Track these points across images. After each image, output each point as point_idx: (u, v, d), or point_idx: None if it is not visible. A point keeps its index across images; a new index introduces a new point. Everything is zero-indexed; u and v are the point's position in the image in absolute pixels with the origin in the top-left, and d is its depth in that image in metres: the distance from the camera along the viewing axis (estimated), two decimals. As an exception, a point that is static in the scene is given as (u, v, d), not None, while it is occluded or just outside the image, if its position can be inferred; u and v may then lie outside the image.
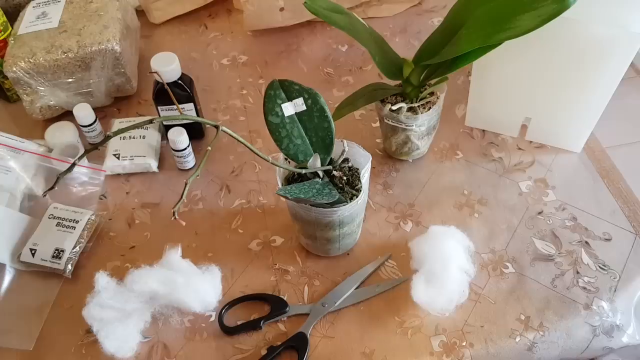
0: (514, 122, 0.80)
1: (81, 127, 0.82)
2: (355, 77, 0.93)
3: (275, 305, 0.66)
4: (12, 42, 0.83)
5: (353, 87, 0.88)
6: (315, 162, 0.61)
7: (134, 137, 0.81)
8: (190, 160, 0.80)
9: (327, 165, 0.62)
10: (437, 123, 0.76)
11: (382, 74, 0.71)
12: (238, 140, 0.52)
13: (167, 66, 0.74)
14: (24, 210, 0.75)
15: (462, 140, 0.83)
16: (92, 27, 0.84)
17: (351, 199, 0.61)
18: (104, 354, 0.62)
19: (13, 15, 0.92)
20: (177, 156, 0.79)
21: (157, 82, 0.78)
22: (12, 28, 0.88)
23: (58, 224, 0.72)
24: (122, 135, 0.78)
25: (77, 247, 0.71)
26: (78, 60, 0.82)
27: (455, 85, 0.90)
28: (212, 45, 1.01)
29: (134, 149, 0.80)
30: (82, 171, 0.78)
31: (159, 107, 0.80)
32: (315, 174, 0.62)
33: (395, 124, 0.73)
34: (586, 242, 0.70)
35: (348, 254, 0.71)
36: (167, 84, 0.75)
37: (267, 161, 0.56)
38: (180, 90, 0.78)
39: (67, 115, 0.87)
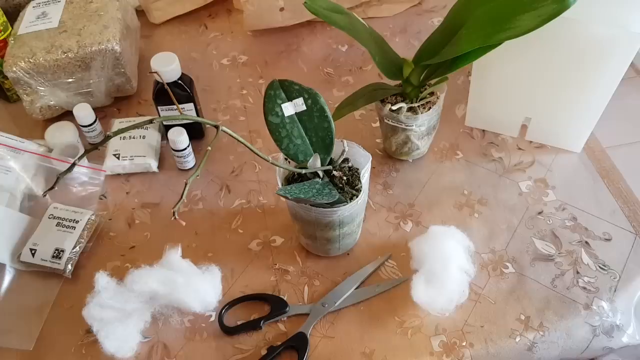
0: (514, 122, 0.80)
1: (81, 127, 0.82)
2: (355, 77, 0.93)
3: (275, 305, 0.66)
4: (12, 42, 0.83)
5: (353, 87, 0.87)
6: (315, 162, 0.61)
7: (134, 137, 0.81)
8: (190, 160, 0.80)
9: (327, 165, 0.62)
10: (437, 123, 0.76)
11: (382, 74, 0.71)
12: (238, 140, 0.52)
13: (167, 66, 0.74)
14: (24, 210, 0.75)
15: (462, 140, 0.83)
16: (92, 27, 0.84)
17: (351, 199, 0.61)
18: (104, 354, 0.62)
19: (13, 15, 0.92)
20: (177, 156, 0.79)
21: (157, 82, 0.78)
22: (12, 28, 0.88)
23: (58, 224, 0.72)
24: (122, 135, 0.78)
25: (77, 247, 0.71)
26: (78, 60, 0.82)
27: (455, 85, 0.90)
28: (212, 45, 1.01)
29: (134, 149, 0.80)
30: (82, 171, 0.78)
31: (159, 107, 0.80)
32: (315, 174, 0.62)
33: (395, 124, 0.73)
34: (586, 242, 0.70)
35: (348, 254, 0.71)
36: (167, 84, 0.75)
37: (267, 161, 0.56)
38: (180, 90, 0.78)
39: (67, 115, 0.87)
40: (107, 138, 0.50)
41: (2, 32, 0.88)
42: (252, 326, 0.65)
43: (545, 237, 0.71)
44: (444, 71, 0.68)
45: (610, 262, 0.68)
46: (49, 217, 0.73)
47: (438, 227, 0.67)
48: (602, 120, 0.74)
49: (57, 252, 0.70)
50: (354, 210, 0.63)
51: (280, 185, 0.61)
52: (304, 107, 0.59)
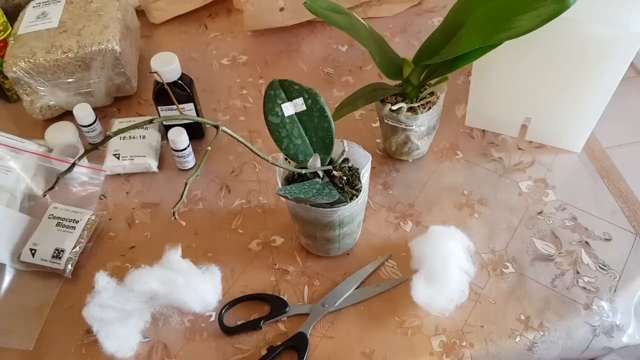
0: (514, 122, 0.80)
1: (81, 127, 0.82)
2: (355, 77, 0.93)
3: (275, 305, 0.66)
4: (12, 42, 0.83)
5: (353, 87, 0.87)
6: (315, 162, 0.61)
7: (134, 137, 0.81)
8: (190, 160, 0.80)
9: (327, 165, 0.62)
10: (437, 123, 0.76)
11: (382, 74, 0.71)
12: (238, 140, 0.52)
13: (167, 66, 0.74)
14: (24, 210, 0.75)
15: (462, 140, 0.83)
16: (92, 27, 0.84)
17: (351, 199, 0.61)
18: (104, 354, 0.62)
19: (13, 15, 0.92)
20: (177, 156, 0.79)
21: (157, 82, 0.78)
22: (12, 28, 0.88)
23: (58, 224, 0.72)
24: (122, 135, 0.78)
25: (77, 247, 0.71)
26: (78, 60, 0.82)
27: (455, 85, 0.90)
28: (212, 45, 1.01)
29: (134, 149, 0.80)
30: (82, 171, 0.78)
31: (159, 107, 0.80)
32: (315, 174, 0.62)
33: (395, 124, 0.73)
34: (586, 242, 0.70)
35: (348, 254, 0.71)
36: (167, 84, 0.75)
37: (267, 161, 0.56)
38: (180, 90, 0.78)
39: (67, 115, 0.87)
40: (107, 138, 0.50)
41: (2, 32, 0.88)
42: (252, 326, 0.65)
43: (545, 237, 0.71)
44: (444, 71, 0.68)
45: (610, 262, 0.68)
46: (49, 217, 0.73)
47: (438, 227, 0.67)
48: (602, 120, 0.74)
49: (57, 252, 0.70)
50: (354, 210, 0.63)
51: (280, 185, 0.61)
52: (304, 107, 0.59)
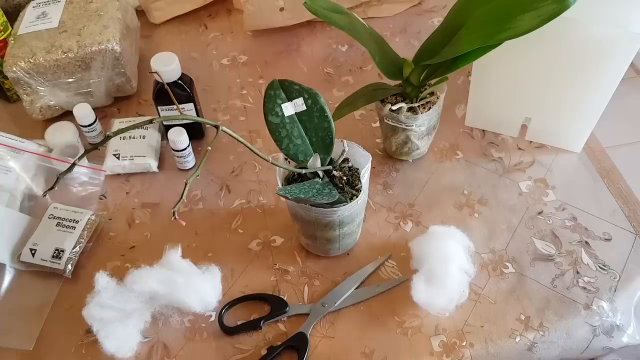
0: (514, 122, 0.80)
1: (81, 127, 0.82)
2: (355, 77, 0.93)
3: (275, 305, 0.66)
4: (12, 42, 0.83)
5: (353, 87, 0.87)
6: (315, 162, 0.61)
7: (134, 137, 0.81)
8: (190, 160, 0.80)
9: (327, 165, 0.62)
10: (437, 123, 0.76)
11: (382, 74, 0.71)
12: (238, 140, 0.52)
13: (167, 66, 0.75)
14: (24, 210, 0.75)
15: (462, 140, 0.83)
16: (92, 27, 0.84)
17: (351, 199, 0.61)
18: (104, 354, 0.62)
19: (13, 15, 0.92)
20: (177, 156, 0.79)
21: (157, 82, 0.78)
22: (12, 28, 0.88)
23: (58, 224, 0.72)
24: (122, 135, 0.78)
25: (77, 247, 0.71)
26: (78, 60, 0.82)
27: (455, 85, 0.90)
28: (212, 45, 1.01)
29: (134, 149, 0.80)
30: (82, 171, 0.78)
31: (159, 107, 0.80)
32: (315, 174, 0.62)
33: (395, 124, 0.73)
34: (586, 242, 0.70)
35: (348, 254, 0.71)
36: (167, 84, 0.75)
37: (267, 161, 0.56)
38: (180, 90, 0.78)
39: (67, 115, 0.87)
40: (107, 138, 0.50)
41: (2, 32, 0.88)
42: (252, 326, 0.65)
43: (545, 237, 0.71)
44: (444, 71, 0.68)
45: (610, 262, 0.68)
46: (49, 217, 0.73)
47: (438, 227, 0.67)
48: (602, 120, 0.74)
49: (57, 252, 0.70)
50: (354, 210, 0.63)
51: (280, 185, 0.61)
52: (304, 107, 0.59)
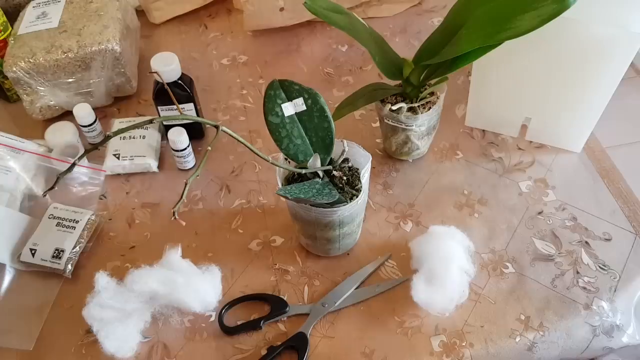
0: (514, 122, 0.80)
1: (81, 127, 0.82)
2: (355, 77, 0.93)
3: (275, 305, 0.66)
4: (12, 42, 0.83)
5: (353, 87, 0.87)
6: (315, 162, 0.61)
7: (134, 137, 0.81)
8: (190, 160, 0.80)
9: (327, 165, 0.62)
10: (437, 123, 0.76)
11: (382, 74, 0.71)
12: (238, 140, 0.52)
13: (167, 66, 0.75)
14: (24, 210, 0.75)
15: (462, 140, 0.83)
16: (92, 27, 0.84)
17: (351, 199, 0.61)
18: (104, 354, 0.62)
19: (13, 15, 0.92)
20: (177, 156, 0.79)
21: (157, 82, 0.78)
22: (12, 28, 0.88)
23: (58, 224, 0.72)
24: (122, 135, 0.78)
25: (77, 247, 0.71)
26: (78, 60, 0.82)
27: (455, 85, 0.90)
28: (212, 45, 1.01)
29: (134, 149, 0.80)
30: (82, 171, 0.78)
31: (159, 107, 0.80)
32: (315, 174, 0.62)
33: (395, 124, 0.73)
34: (586, 242, 0.70)
35: (348, 254, 0.71)
36: (167, 84, 0.75)
37: (267, 161, 0.56)
38: (180, 90, 0.78)
39: (67, 115, 0.87)
40: (107, 138, 0.50)
41: (2, 32, 0.88)
42: (252, 326, 0.65)
43: (545, 237, 0.71)
44: (444, 71, 0.68)
45: (610, 262, 0.68)
46: (49, 217, 0.73)
47: (438, 227, 0.67)
48: (602, 120, 0.74)
49: (57, 252, 0.70)
50: (354, 210, 0.63)
51: (280, 185, 0.61)
52: (304, 107, 0.59)
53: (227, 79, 0.95)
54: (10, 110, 0.92)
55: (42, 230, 0.72)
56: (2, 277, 0.70)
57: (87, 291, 0.64)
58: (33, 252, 0.70)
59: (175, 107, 0.79)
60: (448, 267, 0.63)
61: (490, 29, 0.59)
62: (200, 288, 0.64)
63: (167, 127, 0.81)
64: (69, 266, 0.69)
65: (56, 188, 0.52)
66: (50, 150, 0.80)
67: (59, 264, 0.69)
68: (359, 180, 0.64)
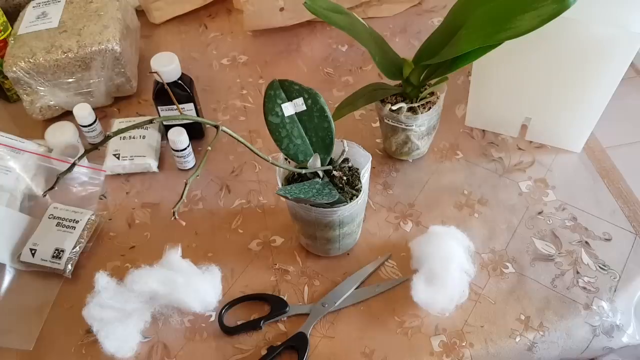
0: (514, 122, 0.80)
1: (81, 127, 0.82)
2: (355, 77, 0.93)
3: (275, 305, 0.66)
4: (12, 42, 0.83)
5: (353, 87, 0.87)
6: (315, 162, 0.61)
7: (134, 137, 0.81)
8: (190, 160, 0.80)
9: (327, 165, 0.62)
10: (437, 123, 0.76)
11: (382, 74, 0.71)
12: (238, 140, 0.52)
13: (167, 66, 0.75)
14: (24, 210, 0.75)
15: (462, 140, 0.83)
16: (92, 27, 0.84)
17: (351, 199, 0.61)
18: (104, 354, 0.62)
19: (13, 15, 0.92)
20: (177, 156, 0.79)
21: (157, 82, 0.78)
22: (12, 28, 0.88)
23: (58, 224, 0.72)
24: (122, 135, 0.78)
25: (77, 247, 0.71)
26: (78, 60, 0.82)
27: (455, 85, 0.90)
28: (212, 45, 1.01)
29: (134, 149, 0.80)
30: (82, 171, 0.78)
31: (159, 107, 0.80)
32: (315, 174, 0.62)
33: (395, 124, 0.73)
34: (586, 242, 0.70)
35: (348, 254, 0.71)
36: (167, 84, 0.75)
37: (267, 161, 0.56)
38: (180, 90, 0.78)
39: (67, 115, 0.87)
40: (107, 138, 0.50)
41: (2, 32, 0.88)
42: (252, 326, 0.65)
43: (545, 237, 0.71)
44: (444, 71, 0.68)
45: (610, 262, 0.68)
46: (49, 217, 0.73)
47: (438, 227, 0.67)
48: (602, 120, 0.74)
49: (57, 252, 0.70)
50: (354, 210, 0.63)
51: (280, 185, 0.61)
52: (304, 107, 0.59)
53: (227, 79, 0.95)
54: (10, 110, 0.92)
55: (42, 230, 0.72)
56: (2, 277, 0.70)
57: (87, 291, 0.64)
58: (33, 252, 0.70)
59: (175, 107, 0.79)
60: (448, 267, 0.63)
61: (490, 29, 0.59)
62: (200, 288, 0.64)
63: (167, 127, 0.81)
64: (69, 266, 0.69)
65: (56, 188, 0.52)
66: (50, 150, 0.80)
67: (59, 264, 0.69)
68: (359, 180, 0.64)
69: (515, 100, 0.77)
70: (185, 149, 0.78)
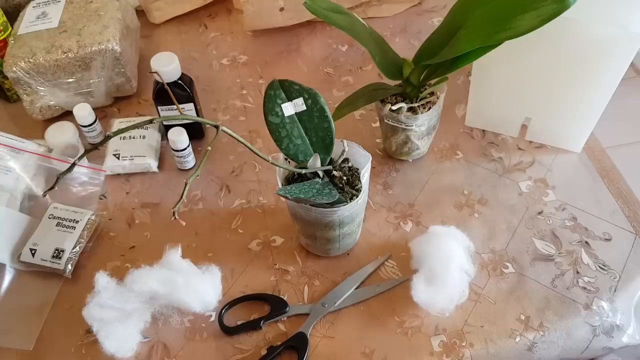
0: (514, 122, 0.80)
1: (81, 127, 0.82)
2: (355, 77, 0.93)
3: (275, 305, 0.66)
4: (12, 42, 0.83)
5: (353, 87, 0.88)
6: (315, 162, 0.61)
7: (134, 137, 0.81)
8: (190, 160, 0.80)
9: (327, 165, 0.62)
10: (437, 123, 0.76)
11: (382, 74, 0.71)
12: (238, 140, 0.52)
13: (167, 66, 0.75)
14: (24, 210, 0.75)
15: (462, 140, 0.83)
16: (92, 27, 0.84)
17: (351, 199, 0.61)
18: (104, 354, 0.62)
19: (13, 15, 0.92)
20: (177, 156, 0.79)
21: (157, 82, 0.78)
22: (12, 28, 0.88)
23: (58, 224, 0.72)
24: (122, 135, 0.78)
25: (77, 247, 0.71)
26: (78, 60, 0.82)
27: (455, 85, 0.90)
28: (212, 45, 1.01)
29: (134, 149, 0.80)
30: (82, 171, 0.78)
31: (159, 107, 0.80)
32: (315, 174, 0.62)
33: (395, 124, 0.73)
34: (586, 242, 0.70)
35: (348, 254, 0.71)
36: (167, 84, 0.75)
37: (267, 161, 0.56)
38: (180, 90, 0.78)
39: (67, 115, 0.87)
40: (107, 138, 0.50)
41: (2, 32, 0.88)
42: (252, 326, 0.65)
43: (545, 237, 0.71)
44: (444, 71, 0.68)
45: (610, 262, 0.68)
46: (49, 217, 0.73)
47: (438, 227, 0.67)
48: (602, 120, 0.74)
49: (57, 252, 0.70)
50: (354, 210, 0.63)
51: (280, 185, 0.61)
52: (304, 107, 0.59)
53: (227, 79, 0.95)
54: (10, 110, 0.92)
55: (42, 230, 0.72)
56: (2, 277, 0.70)
57: (87, 291, 0.64)
58: (33, 252, 0.70)
59: (175, 107, 0.79)
60: (448, 267, 0.63)
61: (490, 29, 0.59)
62: (200, 288, 0.64)
63: (167, 127, 0.81)
64: (69, 266, 0.69)
65: (56, 188, 0.52)
66: (50, 150, 0.80)
67: (59, 264, 0.69)
68: (359, 180, 0.64)
69: (515, 100, 0.77)
70: (185, 149, 0.78)
